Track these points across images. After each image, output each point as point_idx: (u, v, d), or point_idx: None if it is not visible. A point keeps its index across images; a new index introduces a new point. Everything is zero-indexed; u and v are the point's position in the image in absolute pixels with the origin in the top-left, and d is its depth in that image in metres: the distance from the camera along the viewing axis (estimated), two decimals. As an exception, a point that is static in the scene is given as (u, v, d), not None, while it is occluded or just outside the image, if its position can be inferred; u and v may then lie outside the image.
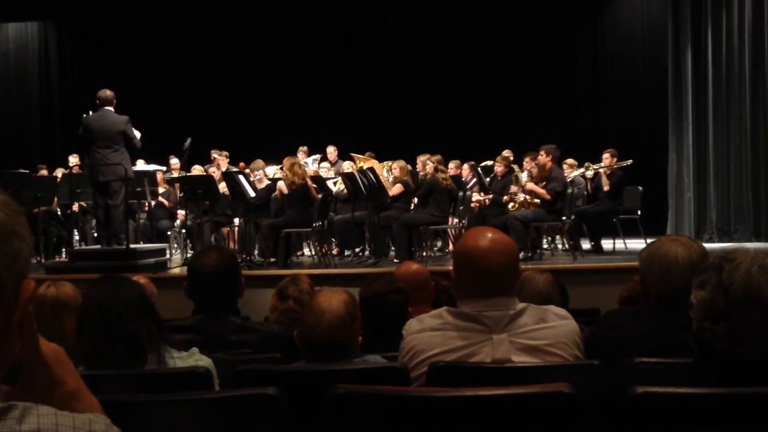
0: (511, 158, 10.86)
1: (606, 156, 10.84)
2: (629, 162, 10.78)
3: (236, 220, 11.05)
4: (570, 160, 11.19)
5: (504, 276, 2.59)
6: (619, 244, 10.94)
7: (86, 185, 9.98)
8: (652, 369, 2.25)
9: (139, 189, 10.55)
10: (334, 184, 11.29)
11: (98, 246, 9.54)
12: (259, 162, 11.10)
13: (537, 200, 9.65)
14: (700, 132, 11.82)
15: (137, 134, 9.07)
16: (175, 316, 3.59)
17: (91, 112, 9.08)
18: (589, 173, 10.95)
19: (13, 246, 1.07)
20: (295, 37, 15.23)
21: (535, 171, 9.91)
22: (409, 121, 14.82)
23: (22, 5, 15.62)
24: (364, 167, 10.43)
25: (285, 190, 9.85)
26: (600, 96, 15.05)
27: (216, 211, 10.94)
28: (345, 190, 10.56)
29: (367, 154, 11.88)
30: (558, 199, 9.60)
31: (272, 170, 11.48)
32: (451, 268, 2.74)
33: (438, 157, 10.10)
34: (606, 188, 10.62)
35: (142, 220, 11.61)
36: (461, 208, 10.16)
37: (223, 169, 11.28)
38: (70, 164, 12.45)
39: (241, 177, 9.81)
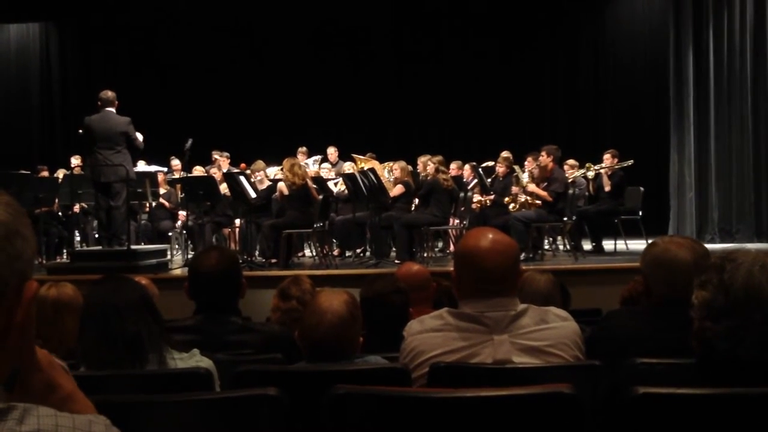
0: (512, 159, 10.86)
1: (607, 156, 10.84)
2: (630, 162, 10.78)
3: (237, 221, 11.06)
4: (571, 161, 11.19)
5: (505, 277, 2.59)
6: (621, 244, 10.94)
7: (87, 186, 9.99)
8: (653, 369, 2.25)
9: (140, 190, 10.56)
10: (335, 184, 11.29)
11: (99, 247, 9.55)
12: (260, 163, 11.10)
13: (538, 201, 9.65)
14: (702, 132, 11.82)
15: (139, 136, 9.07)
16: (176, 316, 3.59)
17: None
18: (591, 174, 10.95)
19: (17, 246, 1.07)
20: (296, 38, 15.24)
21: (536, 171, 9.91)
22: (409, 121, 14.84)
23: (24, 6, 15.63)
24: (365, 168, 10.44)
25: (285, 191, 9.86)
26: (601, 96, 15.05)
27: (217, 211, 10.94)
28: (346, 191, 10.56)
29: (368, 154, 11.89)
30: (559, 199, 9.60)
31: (273, 171, 11.48)
32: (452, 268, 2.74)
33: (439, 157, 10.10)
34: (607, 188, 10.61)
35: (143, 221, 11.62)
36: (462, 208, 10.16)
37: (224, 170, 11.29)
38: (72, 165, 12.46)
39: (242, 178, 9.81)
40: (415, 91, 15.10)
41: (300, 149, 12.31)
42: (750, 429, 1.93)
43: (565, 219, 9.71)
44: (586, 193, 11.04)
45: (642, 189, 11.11)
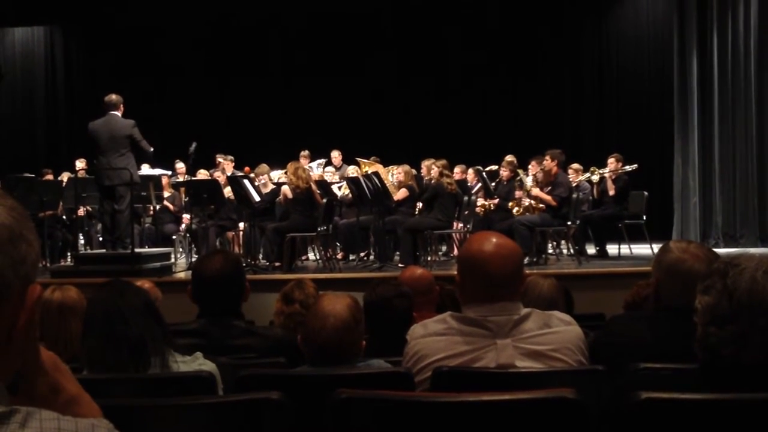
0: (516, 163, 10.85)
1: (611, 161, 10.83)
2: (635, 166, 10.77)
3: (241, 225, 11.07)
4: (575, 165, 11.18)
5: (508, 281, 2.58)
6: (625, 249, 10.91)
7: (92, 189, 10.00)
8: (657, 374, 2.24)
9: (144, 193, 10.57)
10: (339, 188, 11.29)
11: (103, 250, 9.56)
12: (264, 166, 11.11)
13: (542, 205, 9.65)
14: (706, 136, 11.80)
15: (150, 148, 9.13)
16: (180, 320, 3.60)
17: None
18: (595, 177, 10.94)
19: (21, 249, 1.08)
20: (299, 41, 15.25)
21: (540, 176, 9.91)
22: (414, 125, 14.84)
23: (29, 10, 15.68)
24: (369, 172, 10.45)
25: (289, 195, 9.87)
26: (605, 100, 15.05)
27: (221, 215, 10.95)
28: (350, 195, 10.57)
29: (372, 158, 11.89)
30: (563, 204, 9.59)
31: (277, 175, 11.49)
32: (455, 272, 2.74)
33: (443, 161, 10.10)
34: (611, 192, 10.60)
35: (147, 225, 11.63)
36: (466, 212, 10.16)
37: (228, 174, 11.30)
38: (77, 168, 12.48)
39: (246, 181, 9.82)
40: (419, 95, 15.10)
41: (302, 153, 12.31)
42: (754, 434, 1.92)
43: (569, 223, 9.70)
44: (590, 198, 11.03)
45: (646, 193, 11.09)
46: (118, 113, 9.00)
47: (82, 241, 11.69)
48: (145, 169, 11.20)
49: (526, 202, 9.82)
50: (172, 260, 10.23)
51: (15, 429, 1.00)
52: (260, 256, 10.43)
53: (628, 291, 4.19)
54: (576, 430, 2.03)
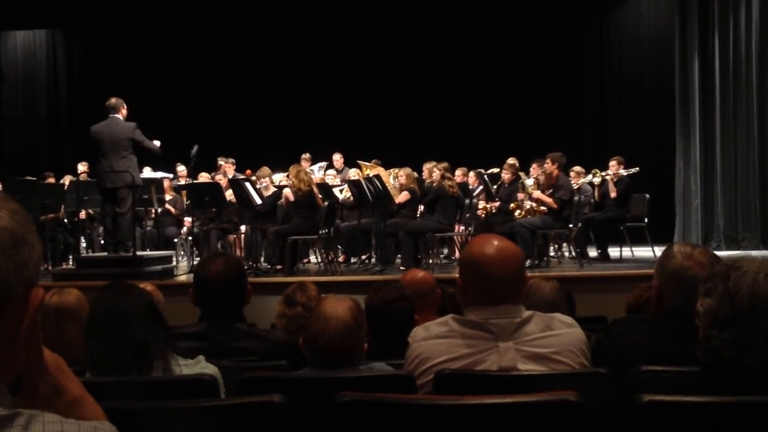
0: (518, 165, 10.86)
1: (613, 163, 10.83)
2: (636, 169, 10.77)
3: (243, 228, 11.07)
4: (577, 168, 11.18)
5: (510, 283, 2.58)
6: (626, 251, 10.92)
7: (93, 192, 10.01)
8: (659, 377, 2.24)
9: (146, 196, 10.58)
10: (341, 191, 11.29)
11: (105, 253, 9.56)
12: (266, 169, 11.11)
13: (543, 208, 9.64)
14: (707, 139, 11.80)
15: (157, 142, 9.12)
16: (182, 323, 3.60)
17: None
18: (596, 179, 10.94)
19: (23, 253, 1.08)
20: (301, 44, 15.26)
21: (542, 178, 9.91)
22: (415, 128, 14.84)
23: (31, 13, 15.69)
24: (371, 174, 10.44)
25: (291, 198, 9.87)
26: (606, 103, 15.05)
27: (222, 218, 10.96)
28: (351, 198, 10.58)
29: (373, 161, 11.89)
30: (565, 206, 9.59)
31: (279, 177, 11.50)
32: (457, 275, 2.74)
33: (445, 164, 10.10)
34: (613, 195, 10.60)
35: (148, 228, 11.63)
36: (468, 215, 10.16)
37: (230, 177, 11.30)
38: (79, 171, 12.48)
39: (247, 184, 9.83)
40: (421, 98, 15.10)
41: (304, 156, 12.32)
42: (756, 437, 1.92)
43: (571, 226, 9.70)
44: (592, 200, 11.03)
45: (648, 196, 11.09)
46: (120, 116, 9.01)
47: (83, 244, 11.69)
48: (147, 172, 11.21)
49: (528, 204, 9.81)
50: (174, 263, 10.23)
51: (18, 432, 1.01)
52: (262, 259, 10.43)
53: (630, 293, 4.18)
54: (578, 433, 2.03)
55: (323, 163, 12.52)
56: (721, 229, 11.68)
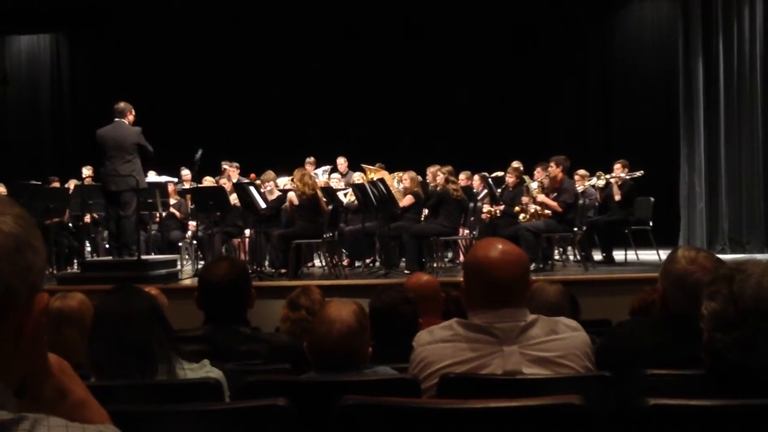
0: (522, 169, 10.85)
1: (617, 166, 10.83)
2: (641, 173, 10.76)
3: (247, 231, 11.08)
4: (581, 171, 11.17)
5: (515, 287, 2.58)
6: (631, 255, 10.91)
7: (98, 196, 10.02)
8: (664, 381, 2.24)
9: (150, 200, 10.59)
10: (345, 195, 11.30)
11: (110, 257, 9.57)
12: (270, 173, 11.12)
13: (548, 211, 9.64)
14: (712, 142, 11.79)
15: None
16: (186, 326, 3.60)
17: None
18: (601, 182, 10.93)
19: (28, 258, 1.08)
20: (305, 49, 15.27)
21: (546, 182, 9.90)
22: (419, 132, 14.84)
23: (35, 18, 15.74)
24: (375, 178, 10.45)
25: (295, 201, 9.88)
26: (610, 106, 15.04)
27: (227, 222, 10.96)
28: (355, 201, 10.57)
29: (378, 165, 11.89)
30: (569, 209, 9.58)
31: (283, 181, 11.50)
32: (461, 279, 2.74)
33: (449, 168, 10.10)
34: (617, 198, 10.60)
35: (153, 231, 11.64)
36: (472, 219, 10.15)
37: (234, 181, 11.31)
38: (83, 176, 12.51)
39: (251, 188, 9.83)
40: (425, 102, 15.10)
41: (308, 159, 12.32)
42: (761, 441, 1.92)
43: (575, 229, 9.69)
44: (596, 204, 11.02)
45: (652, 199, 11.08)
46: (126, 120, 9.03)
47: (88, 248, 11.72)
48: (152, 176, 11.22)
49: (532, 208, 9.81)
50: (178, 267, 10.24)
51: (22, 436, 1.01)
52: (266, 263, 10.43)
53: (635, 297, 4.18)
54: (583, 437, 2.02)
55: (327, 167, 12.53)
56: (725, 233, 11.66)
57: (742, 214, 11.67)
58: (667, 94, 13.61)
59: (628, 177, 10.72)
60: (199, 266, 10.46)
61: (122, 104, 9.09)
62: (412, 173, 10.41)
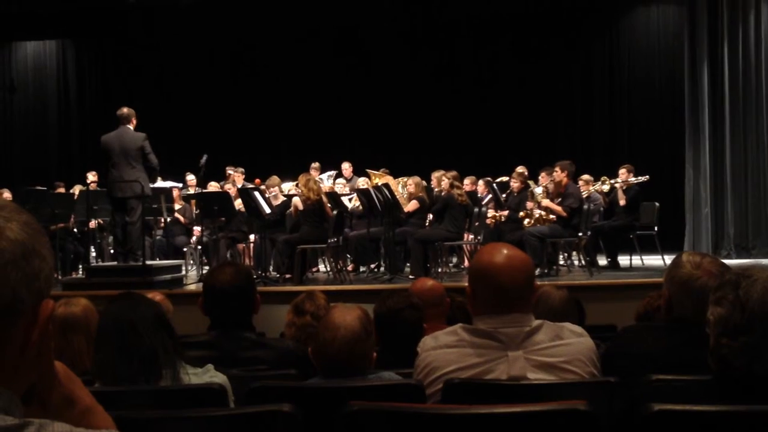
0: (526, 174, 10.84)
1: (622, 171, 10.81)
2: (646, 178, 10.74)
3: (252, 237, 11.08)
4: (586, 176, 11.16)
5: (520, 292, 2.58)
6: (636, 260, 10.88)
7: (103, 202, 10.04)
8: (669, 386, 2.23)
9: (155, 205, 10.60)
10: (350, 200, 11.30)
11: (115, 262, 9.59)
12: (275, 178, 11.13)
13: (553, 216, 9.63)
14: (717, 147, 11.77)
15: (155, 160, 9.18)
16: (191, 332, 3.60)
17: None
18: (605, 187, 10.92)
19: (34, 265, 1.08)
20: (310, 54, 15.29)
21: (551, 186, 9.89)
22: (424, 137, 14.85)
23: (41, 24, 15.80)
24: (379, 183, 10.45)
25: (300, 206, 9.88)
26: (616, 112, 15.03)
27: (231, 227, 10.97)
28: (360, 207, 10.58)
29: (382, 170, 11.89)
30: (574, 214, 9.57)
31: (288, 186, 11.51)
32: (466, 284, 2.74)
33: (453, 173, 10.10)
34: (622, 203, 10.58)
35: (158, 237, 11.66)
36: (477, 224, 10.14)
37: (239, 186, 11.32)
38: (88, 181, 12.53)
39: (256, 193, 9.84)
40: (430, 107, 15.11)
41: (313, 165, 12.33)
42: (767, 446, 1.91)
43: (580, 234, 9.68)
44: (601, 209, 11.00)
45: (657, 204, 11.07)
46: (131, 126, 9.04)
47: (93, 254, 11.73)
48: (157, 182, 11.23)
49: (537, 213, 9.80)
50: (183, 272, 10.25)
51: (28, 441, 1.01)
52: (271, 268, 10.44)
53: (640, 302, 4.17)
54: (588, 443, 2.02)
55: (332, 172, 12.54)
56: (731, 238, 11.64)
57: (747, 219, 11.65)
58: (673, 99, 13.61)
59: (633, 182, 10.70)
60: (204, 271, 10.47)
61: (126, 110, 9.10)
62: (417, 178, 10.41)
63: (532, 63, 14.94)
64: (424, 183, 10.60)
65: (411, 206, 10.20)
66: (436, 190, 10.58)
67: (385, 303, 3.53)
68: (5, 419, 1.02)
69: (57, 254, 10.20)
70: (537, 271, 8.55)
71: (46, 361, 1.17)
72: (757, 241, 11.56)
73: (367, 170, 11.93)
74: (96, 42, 16.53)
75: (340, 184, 12.13)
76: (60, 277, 10.01)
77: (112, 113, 9.26)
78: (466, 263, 10.60)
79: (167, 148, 9.77)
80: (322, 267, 11.43)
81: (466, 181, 11.30)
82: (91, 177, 12.55)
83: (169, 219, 11.54)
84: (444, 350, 2.60)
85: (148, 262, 9.17)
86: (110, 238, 11.01)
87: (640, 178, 10.74)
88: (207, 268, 10.76)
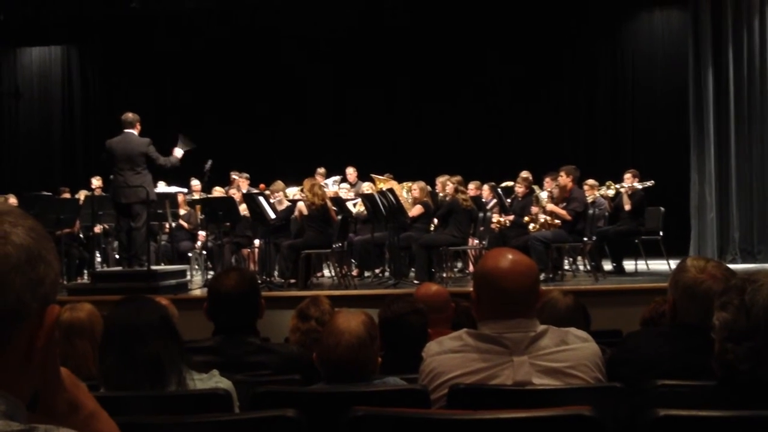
0: (531, 179, 10.84)
1: (627, 176, 10.80)
2: (651, 183, 10.73)
3: (256, 242, 11.09)
4: (591, 181, 11.14)
5: (524, 297, 2.57)
6: (641, 265, 10.87)
7: (108, 207, 10.06)
8: (674, 391, 2.23)
9: (160, 211, 10.62)
10: (354, 205, 11.30)
11: (120, 268, 9.60)
12: (279, 183, 11.14)
13: (558, 221, 9.61)
14: (722, 152, 11.75)
15: (178, 153, 9.17)
16: (196, 337, 3.60)
17: None
18: (611, 192, 10.91)
19: (39, 270, 1.08)
20: (315, 59, 15.31)
21: (555, 191, 9.89)
22: (428, 141, 14.85)
23: (46, 30, 15.84)
24: (384, 188, 10.45)
25: (305, 211, 9.88)
26: (620, 116, 15.01)
27: (236, 232, 10.98)
28: (365, 211, 10.58)
29: (387, 175, 11.90)
30: (579, 219, 9.56)
31: (292, 191, 11.52)
32: (471, 289, 2.73)
33: (458, 177, 10.09)
34: (627, 207, 10.56)
35: (163, 242, 11.67)
36: (481, 228, 10.14)
37: (244, 191, 11.33)
38: (93, 186, 12.56)
39: (261, 198, 9.85)
40: (434, 112, 15.12)
41: (318, 170, 12.33)
42: (773, 452, 1.91)
43: (585, 239, 9.67)
44: (606, 214, 10.99)
45: (662, 209, 11.05)
46: (135, 131, 9.06)
47: (98, 259, 11.74)
48: (161, 187, 11.26)
49: (542, 218, 9.79)
50: (188, 277, 10.26)
51: (33, 447, 1.01)
52: (275, 273, 10.44)
53: (645, 307, 4.16)
54: (593, 448, 2.01)
55: (337, 177, 12.54)
56: (736, 242, 11.62)
57: (753, 223, 11.63)
58: (677, 104, 13.59)
59: (638, 187, 10.69)
60: (209, 277, 10.48)
61: (130, 115, 9.12)
62: (422, 183, 10.41)
63: (536, 70, 14.93)
64: (429, 188, 10.60)
65: (415, 211, 10.20)
66: (441, 194, 10.58)
67: (389, 308, 3.53)
68: (10, 425, 1.02)
69: (62, 259, 10.22)
70: (542, 276, 8.54)
71: (51, 367, 1.17)
72: (762, 245, 11.54)
73: (372, 175, 11.93)
74: (100, 48, 16.57)
75: (345, 189, 12.13)
76: (65, 283, 10.02)
77: (117, 119, 9.28)
78: (471, 268, 10.59)
79: (171, 153, 9.74)
80: (326, 272, 11.43)
81: (471, 185, 11.30)
82: (96, 182, 12.58)
83: (173, 224, 11.55)
84: (449, 355, 2.59)
85: (153, 268, 9.18)
86: (115, 244, 11.02)
87: (645, 183, 10.73)
88: (212, 273, 10.77)
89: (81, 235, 11.74)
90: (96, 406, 1.26)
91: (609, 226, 10.80)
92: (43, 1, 14.90)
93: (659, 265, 10.64)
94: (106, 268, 11.04)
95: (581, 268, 10.79)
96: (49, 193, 11.59)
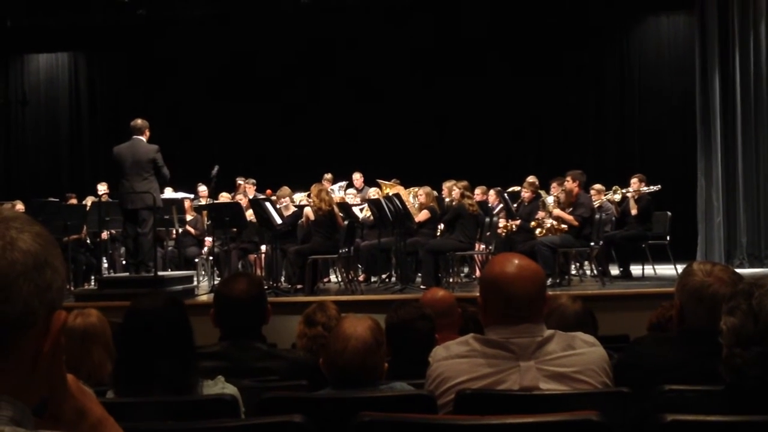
0: (537, 184, 10.82)
1: (634, 181, 10.77)
2: (658, 187, 10.71)
3: (263, 247, 11.09)
4: (597, 186, 11.13)
5: (531, 302, 2.57)
6: (648, 269, 10.85)
7: (115, 213, 10.08)
8: (682, 396, 2.22)
9: (167, 217, 10.63)
10: (361, 210, 11.30)
11: (127, 273, 9.61)
12: (286, 189, 11.15)
13: (564, 226, 9.60)
14: (729, 156, 11.73)
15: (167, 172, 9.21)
16: (202, 343, 3.60)
17: None
18: (617, 196, 10.89)
19: (46, 276, 1.08)
20: (319, 64, 15.34)
21: (562, 196, 9.88)
22: (435, 147, 14.86)
23: (53, 37, 15.90)
24: (390, 193, 10.45)
25: (311, 217, 9.89)
26: (627, 121, 15.00)
27: (243, 238, 10.99)
28: (371, 217, 10.58)
29: (393, 180, 11.90)
30: (586, 224, 9.54)
31: (299, 197, 11.52)
32: (477, 294, 2.73)
33: (464, 183, 10.08)
34: (634, 212, 10.54)
35: (169, 248, 11.69)
36: (488, 234, 10.13)
37: (250, 197, 11.34)
38: (100, 192, 12.58)
39: (267, 204, 9.86)
40: (440, 117, 15.13)
41: (325, 176, 12.34)
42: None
43: (592, 244, 9.65)
44: (613, 218, 10.97)
45: (669, 214, 11.04)
46: (143, 138, 9.07)
47: (105, 265, 11.77)
48: (168, 193, 11.27)
49: (549, 223, 9.77)
50: (195, 283, 10.27)
51: (39, 453, 1.01)
52: (282, 279, 10.45)
53: (653, 312, 4.15)
54: (601, 453, 2.01)
55: (343, 183, 12.55)
56: (743, 247, 11.59)
57: (760, 228, 11.60)
58: (684, 108, 13.57)
59: (645, 191, 10.67)
60: (216, 282, 10.48)
61: (139, 121, 9.14)
62: (428, 188, 10.41)
63: (543, 75, 14.92)
64: (435, 193, 10.60)
65: (422, 216, 10.19)
66: (447, 200, 10.57)
67: (396, 313, 3.53)
68: (17, 431, 1.02)
69: (69, 265, 10.23)
70: (549, 281, 8.52)
71: (58, 373, 1.17)
72: (769, 250, 11.51)
73: (378, 180, 11.94)
74: (107, 54, 16.61)
75: (351, 195, 12.14)
76: (72, 289, 10.04)
77: (123, 125, 9.30)
78: (478, 273, 10.58)
79: (179, 160, 9.80)
80: (333, 277, 11.43)
81: (477, 191, 11.30)
82: (102, 188, 12.61)
83: (180, 230, 11.57)
84: (456, 360, 2.59)
85: (160, 273, 9.19)
86: (122, 250, 11.04)
87: (652, 187, 10.71)
88: (218, 278, 10.78)
89: (88, 241, 11.76)
90: (103, 413, 1.26)
91: (616, 231, 10.77)
92: (50, 8, 14.97)
93: (666, 269, 10.62)
94: (113, 274, 11.05)
95: (588, 272, 10.77)
96: (56, 200, 11.60)
